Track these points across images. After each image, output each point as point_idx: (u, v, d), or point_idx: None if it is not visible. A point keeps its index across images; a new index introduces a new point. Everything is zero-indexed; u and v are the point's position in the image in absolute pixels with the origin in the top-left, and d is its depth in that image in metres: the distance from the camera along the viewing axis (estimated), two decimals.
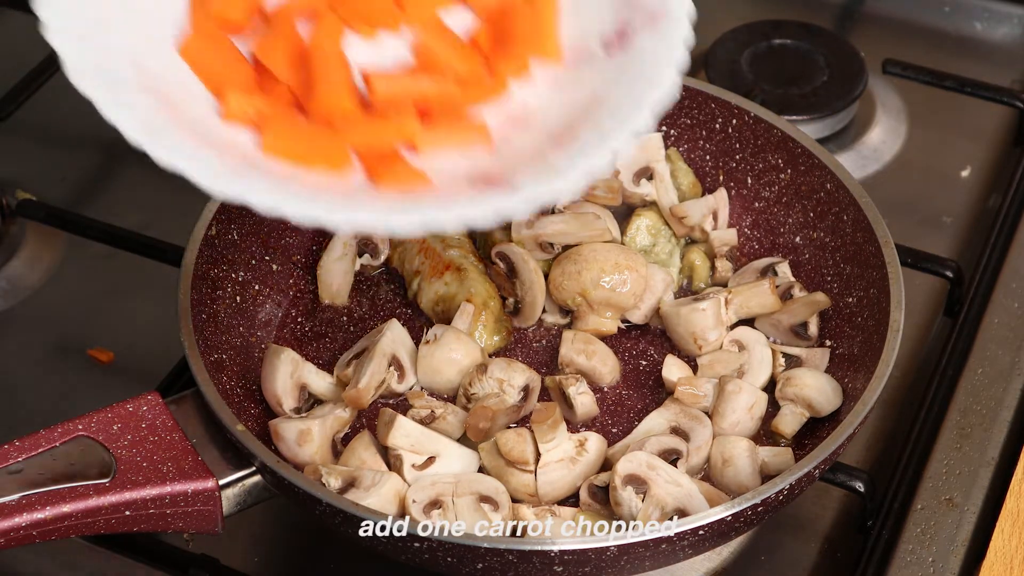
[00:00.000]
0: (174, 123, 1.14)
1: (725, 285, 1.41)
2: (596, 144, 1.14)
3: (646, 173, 1.44)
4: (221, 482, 1.20)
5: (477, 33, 1.25)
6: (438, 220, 1.10)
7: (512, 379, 1.30)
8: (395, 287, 1.44)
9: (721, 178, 1.47)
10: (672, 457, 1.24)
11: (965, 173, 1.63)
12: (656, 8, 1.20)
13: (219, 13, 1.21)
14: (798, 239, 1.42)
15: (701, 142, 1.48)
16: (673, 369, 1.33)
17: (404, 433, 1.24)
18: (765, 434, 1.30)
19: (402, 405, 1.32)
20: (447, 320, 1.36)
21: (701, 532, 1.15)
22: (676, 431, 1.28)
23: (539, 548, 1.13)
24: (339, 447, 1.29)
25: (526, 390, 1.30)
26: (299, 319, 1.41)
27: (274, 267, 1.42)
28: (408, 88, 1.19)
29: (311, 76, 1.18)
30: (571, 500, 1.25)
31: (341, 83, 1.18)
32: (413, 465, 1.24)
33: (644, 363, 1.37)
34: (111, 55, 1.16)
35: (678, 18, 1.19)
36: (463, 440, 1.28)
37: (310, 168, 1.15)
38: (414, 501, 1.20)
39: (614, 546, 1.13)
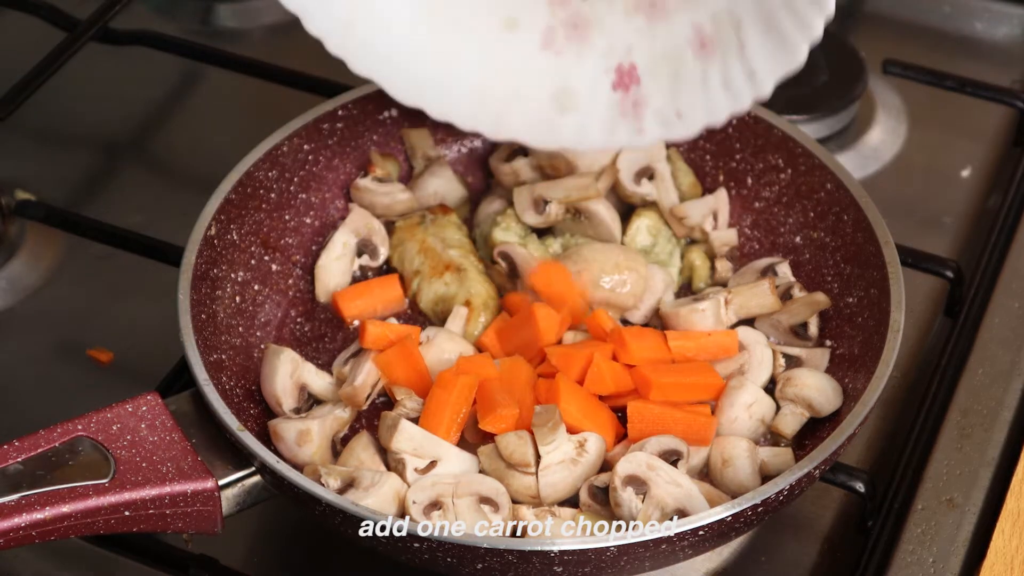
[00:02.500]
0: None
1: (725, 285, 1.41)
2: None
3: (647, 173, 1.44)
4: (221, 482, 1.20)
5: None
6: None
7: None
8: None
9: (721, 178, 1.47)
10: (672, 458, 1.24)
11: (965, 173, 1.63)
12: None
13: None
14: (798, 239, 1.42)
15: (701, 142, 1.48)
16: None
17: (407, 437, 1.24)
18: (765, 434, 1.30)
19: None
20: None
21: (701, 532, 1.14)
22: None
23: (539, 548, 1.13)
24: (338, 447, 1.29)
25: None
26: (299, 319, 1.41)
27: (274, 267, 1.42)
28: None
29: None
30: (571, 501, 1.25)
31: None
32: (416, 469, 1.24)
33: None
34: None
35: None
36: (464, 444, 1.27)
37: None
38: (414, 502, 1.20)
39: (614, 546, 1.13)
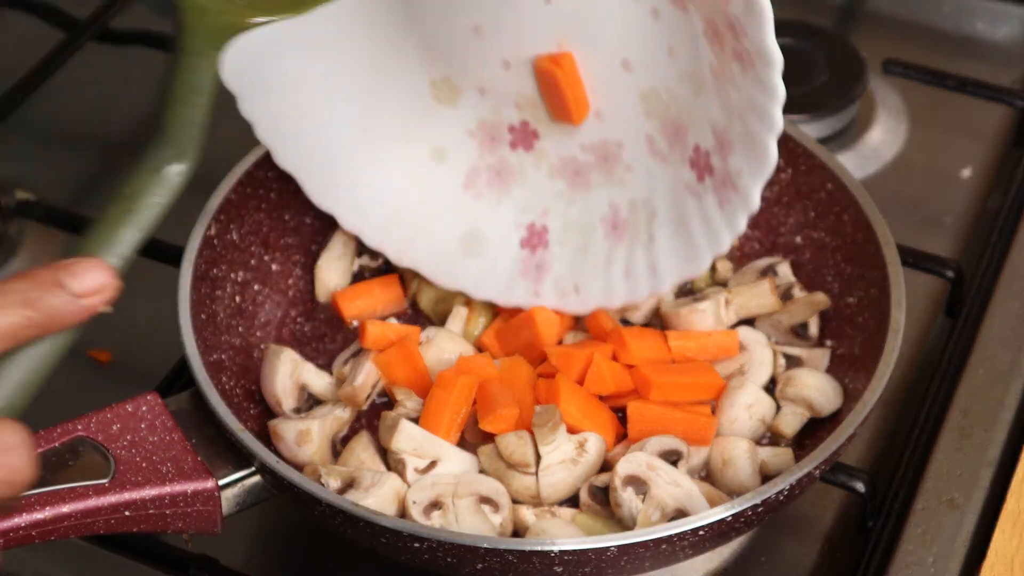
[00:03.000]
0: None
1: (725, 285, 1.41)
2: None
3: None
4: (221, 482, 1.19)
5: None
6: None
7: None
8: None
9: None
10: (672, 458, 1.24)
11: (965, 173, 1.63)
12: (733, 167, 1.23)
13: None
14: (798, 239, 1.42)
15: None
16: None
17: (407, 437, 1.24)
18: (765, 434, 1.30)
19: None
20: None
21: (701, 532, 1.14)
22: None
23: (539, 548, 1.13)
24: (338, 447, 1.29)
25: None
26: (299, 319, 1.41)
27: (274, 267, 1.42)
28: None
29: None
30: (571, 501, 1.25)
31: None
32: (416, 469, 1.24)
33: None
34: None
35: (747, 191, 1.22)
36: (464, 444, 1.27)
37: None
38: (414, 502, 1.20)
39: (614, 546, 1.13)
